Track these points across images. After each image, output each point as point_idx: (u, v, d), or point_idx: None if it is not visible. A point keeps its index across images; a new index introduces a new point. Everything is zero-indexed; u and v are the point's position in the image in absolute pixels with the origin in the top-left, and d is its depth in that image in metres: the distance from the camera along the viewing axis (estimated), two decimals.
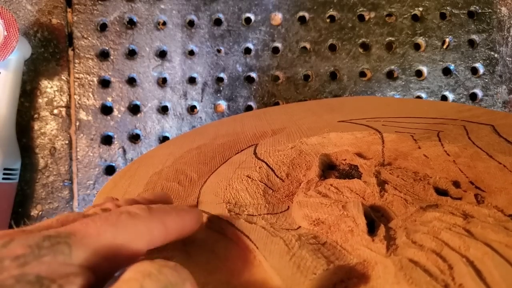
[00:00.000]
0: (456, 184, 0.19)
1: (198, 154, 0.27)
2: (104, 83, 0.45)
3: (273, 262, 0.15)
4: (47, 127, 0.44)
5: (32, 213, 0.43)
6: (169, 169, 0.25)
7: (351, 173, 0.22)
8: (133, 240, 0.14)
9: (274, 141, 0.25)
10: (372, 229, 0.16)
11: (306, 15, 0.46)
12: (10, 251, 0.12)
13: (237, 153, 0.25)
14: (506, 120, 0.23)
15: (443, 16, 0.47)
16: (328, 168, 0.23)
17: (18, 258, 0.12)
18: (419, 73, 0.46)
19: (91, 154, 0.44)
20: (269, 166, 0.23)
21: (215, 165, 0.25)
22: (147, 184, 0.24)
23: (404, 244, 0.15)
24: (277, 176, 0.22)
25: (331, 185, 0.20)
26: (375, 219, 0.17)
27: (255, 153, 0.24)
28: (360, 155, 0.22)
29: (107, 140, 0.45)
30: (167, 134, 0.45)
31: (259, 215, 0.19)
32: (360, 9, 0.46)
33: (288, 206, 0.20)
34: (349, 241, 0.16)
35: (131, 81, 0.45)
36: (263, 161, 0.23)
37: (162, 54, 0.46)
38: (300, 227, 0.18)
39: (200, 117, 0.45)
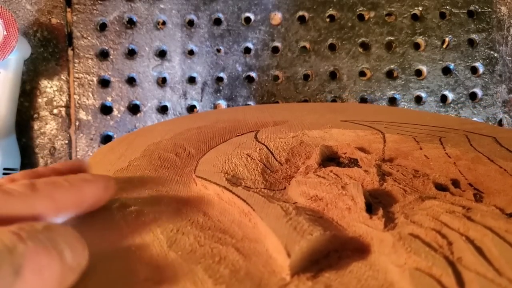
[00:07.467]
0: (455, 183, 0.19)
1: (198, 133, 0.27)
2: (104, 83, 0.45)
3: (270, 222, 0.15)
4: (47, 127, 0.44)
5: None
6: (168, 142, 0.25)
7: (351, 166, 0.22)
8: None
9: (276, 130, 0.26)
10: (369, 211, 0.16)
11: (306, 14, 0.46)
12: None
13: (238, 135, 0.26)
14: (508, 134, 0.24)
15: (442, 15, 0.47)
16: (328, 161, 0.23)
17: None
18: (418, 73, 0.46)
19: (91, 154, 0.44)
20: (269, 150, 0.23)
21: (214, 144, 0.25)
22: (144, 151, 0.24)
23: (402, 223, 0.15)
24: (276, 160, 0.23)
25: (331, 171, 0.20)
26: (373, 204, 0.17)
27: (256, 137, 0.25)
28: (361, 149, 0.23)
29: (106, 140, 0.45)
30: None
31: (256, 188, 0.19)
32: (360, 9, 0.46)
33: (285, 186, 0.20)
34: (346, 219, 0.16)
35: (131, 81, 0.45)
36: (263, 144, 0.23)
37: (161, 54, 0.46)
38: (296, 202, 0.18)
39: None
